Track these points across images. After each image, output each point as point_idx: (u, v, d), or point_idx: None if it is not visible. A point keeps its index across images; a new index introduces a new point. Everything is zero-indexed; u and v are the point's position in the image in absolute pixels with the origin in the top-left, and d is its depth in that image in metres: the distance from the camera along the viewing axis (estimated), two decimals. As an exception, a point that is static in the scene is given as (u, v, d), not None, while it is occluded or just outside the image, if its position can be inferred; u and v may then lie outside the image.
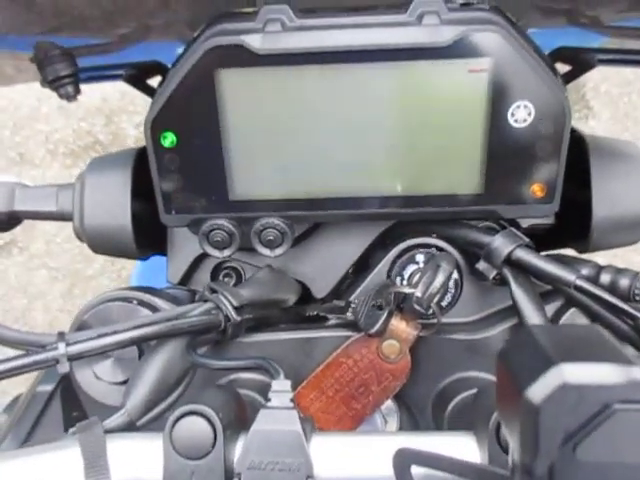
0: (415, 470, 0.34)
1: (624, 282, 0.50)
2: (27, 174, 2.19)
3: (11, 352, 0.44)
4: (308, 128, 0.50)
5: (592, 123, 2.21)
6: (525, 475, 0.25)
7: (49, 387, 0.76)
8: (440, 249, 0.58)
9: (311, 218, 0.55)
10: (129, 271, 1.96)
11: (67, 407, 0.74)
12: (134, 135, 2.26)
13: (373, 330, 0.53)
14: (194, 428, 0.40)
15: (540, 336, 0.25)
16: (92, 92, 2.25)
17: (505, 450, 0.38)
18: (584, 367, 0.23)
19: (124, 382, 0.52)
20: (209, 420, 0.40)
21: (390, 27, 0.47)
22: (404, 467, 0.34)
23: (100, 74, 0.63)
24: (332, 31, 0.47)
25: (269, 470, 0.39)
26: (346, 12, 0.48)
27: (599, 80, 2.21)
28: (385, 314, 0.53)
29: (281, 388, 0.42)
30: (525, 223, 0.57)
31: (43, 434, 0.72)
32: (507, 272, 0.52)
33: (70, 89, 0.53)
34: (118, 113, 2.27)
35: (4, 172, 2.17)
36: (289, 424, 0.40)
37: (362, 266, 0.61)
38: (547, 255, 0.53)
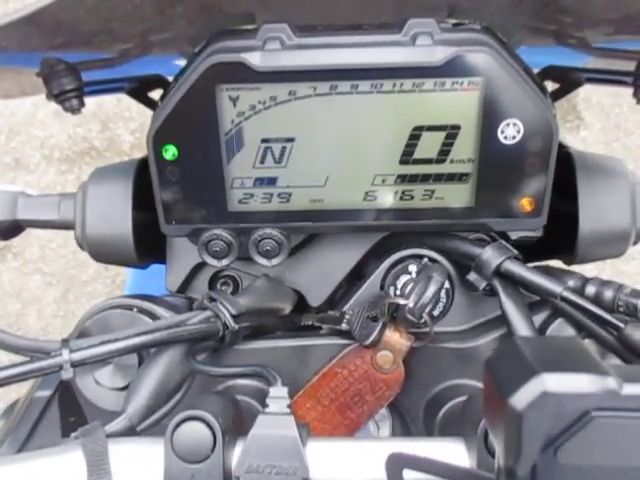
0: (407, 474, 0.36)
1: (608, 294, 0.52)
2: (22, 180, 2.19)
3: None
4: (305, 142, 0.51)
5: (584, 133, 2.22)
6: (509, 477, 0.26)
7: (47, 393, 0.76)
8: (432, 260, 0.60)
9: (307, 229, 0.57)
10: (123, 277, 1.96)
11: (65, 413, 0.75)
12: (129, 141, 2.26)
13: (368, 342, 0.54)
14: (194, 433, 0.41)
15: (524, 347, 0.27)
16: (88, 98, 2.25)
17: (492, 455, 0.39)
18: (564, 377, 0.25)
19: (124, 388, 0.53)
20: (209, 425, 0.41)
21: (385, 47, 0.48)
22: (396, 471, 0.35)
23: (103, 87, 0.64)
24: (329, 50, 0.49)
25: (266, 474, 0.40)
26: (343, 31, 0.50)
27: (591, 91, 2.22)
28: (379, 326, 0.54)
29: (278, 394, 0.43)
30: (514, 235, 0.58)
31: (41, 440, 0.72)
32: (496, 283, 0.54)
33: (75, 102, 0.55)
34: (114, 119, 2.28)
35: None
36: (286, 429, 0.41)
37: (356, 276, 0.62)
38: (535, 267, 0.55)
